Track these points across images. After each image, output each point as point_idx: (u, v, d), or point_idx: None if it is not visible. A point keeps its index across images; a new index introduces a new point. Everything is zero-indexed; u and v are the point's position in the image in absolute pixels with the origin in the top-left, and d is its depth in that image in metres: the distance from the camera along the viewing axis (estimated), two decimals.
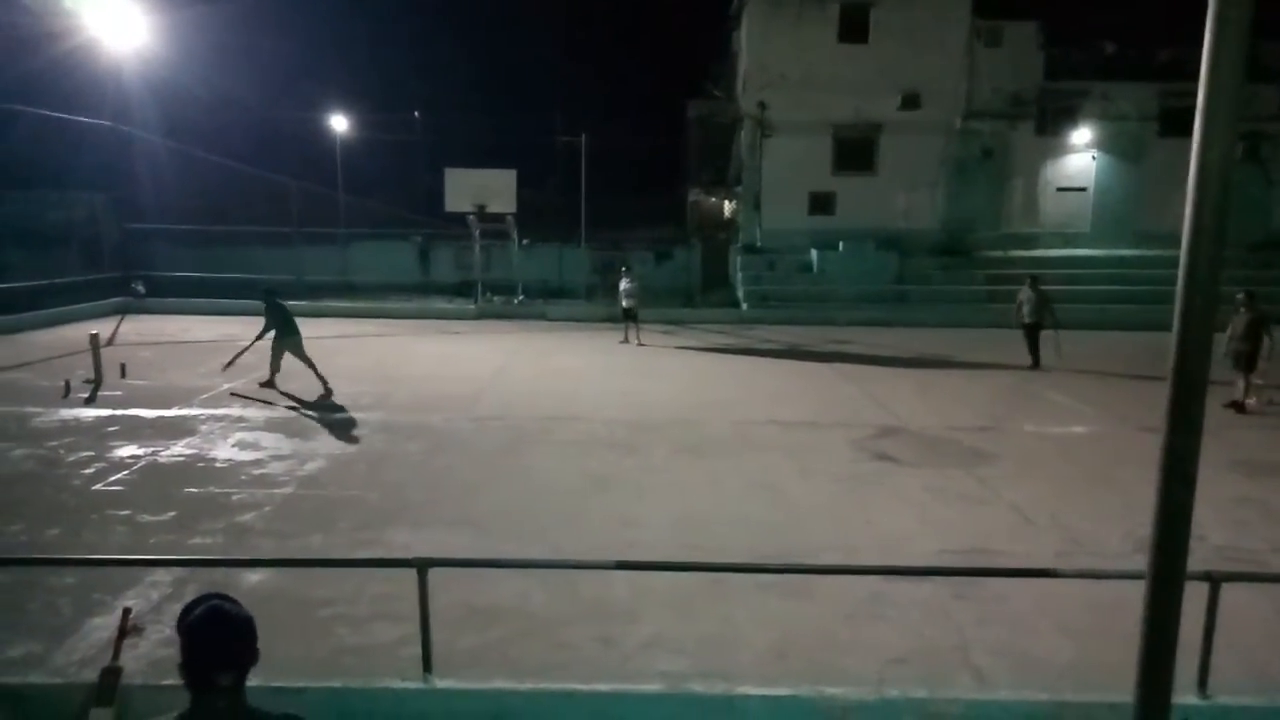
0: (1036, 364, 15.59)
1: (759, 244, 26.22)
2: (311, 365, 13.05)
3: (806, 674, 4.89)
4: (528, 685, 4.25)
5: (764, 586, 6.17)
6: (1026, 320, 15.70)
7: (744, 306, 23.99)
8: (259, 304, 13.36)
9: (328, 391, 12.90)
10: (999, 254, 25.43)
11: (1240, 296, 12.18)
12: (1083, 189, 26.49)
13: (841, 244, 25.02)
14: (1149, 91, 25.40)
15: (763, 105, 25.51)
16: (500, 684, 4.30)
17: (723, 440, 10.70)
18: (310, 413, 11.84)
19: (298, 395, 12.79)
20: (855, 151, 25.99)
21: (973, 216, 26.21)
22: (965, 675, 5.20)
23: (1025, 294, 15.76)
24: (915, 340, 19.17)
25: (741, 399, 13.23)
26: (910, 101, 25.31)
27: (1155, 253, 23.31)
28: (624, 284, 18.96)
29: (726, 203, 32.35)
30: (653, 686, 4.29)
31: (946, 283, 24.30)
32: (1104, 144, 26.06)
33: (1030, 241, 26.23)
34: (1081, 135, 26.02)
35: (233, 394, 12.81)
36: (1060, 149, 26.31)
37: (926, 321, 21.92)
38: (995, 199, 26.47)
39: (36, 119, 21.98)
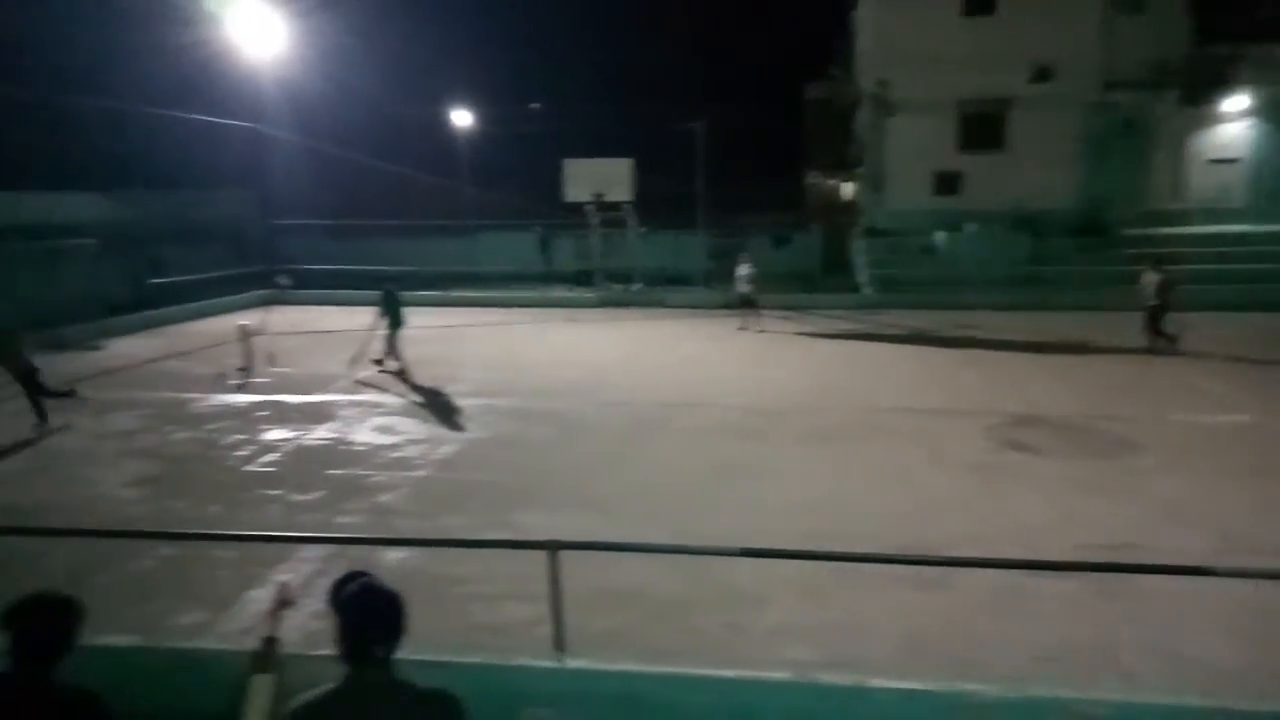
0: (1153, 348, 14.86)
1: (881, 226, 25.50)
2: (395, 355, 14.13)
3: (940, 668, 4.76)
4: (658, 668, 4.29)
5: (895, 577, 6.04)
6: (1152, 302, 14.97)
7: (866, 291, 23.39)
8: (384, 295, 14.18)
9: (395, 375, 13.79)
10: (1140, 232, 23.87)
11: None
12: (1236, 160, 24.56)
13: (969, 225, 24.04)
14: None
15: (884, 84, 24.74)
16: (631, 666, 4.35)
17: (848, 427, 10.50)
18: (442, 398, 12.29)
19: (427, 383, 13.29)
20: (983, 128, 24.88)
21: (1112, 193, 24.68)
22: (1113, 675, 4.95)
23: (1149, 276, 15.07)
24: (1051, 324, 18.26)
25: (866, 386, 12.94)
26: (1042, 74, 24.01)
27: None
28: (742, 270, 18.80)
29: (847, 185, 31.62)
30: (782, 674, 4.25)
31: (1084, 264, 22.97)
32: (1262, 111, 24.07)
33: (1176, 218, 24.51)
34: (1236, 102, 24.10)
35: (359, 382, 13.41)
36: (1211, 118, 24.44)
37: (1063, 305, 20.79)
38: (1136, 174, 24.83)
39: (187, 122, 23.57)
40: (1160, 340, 14.87)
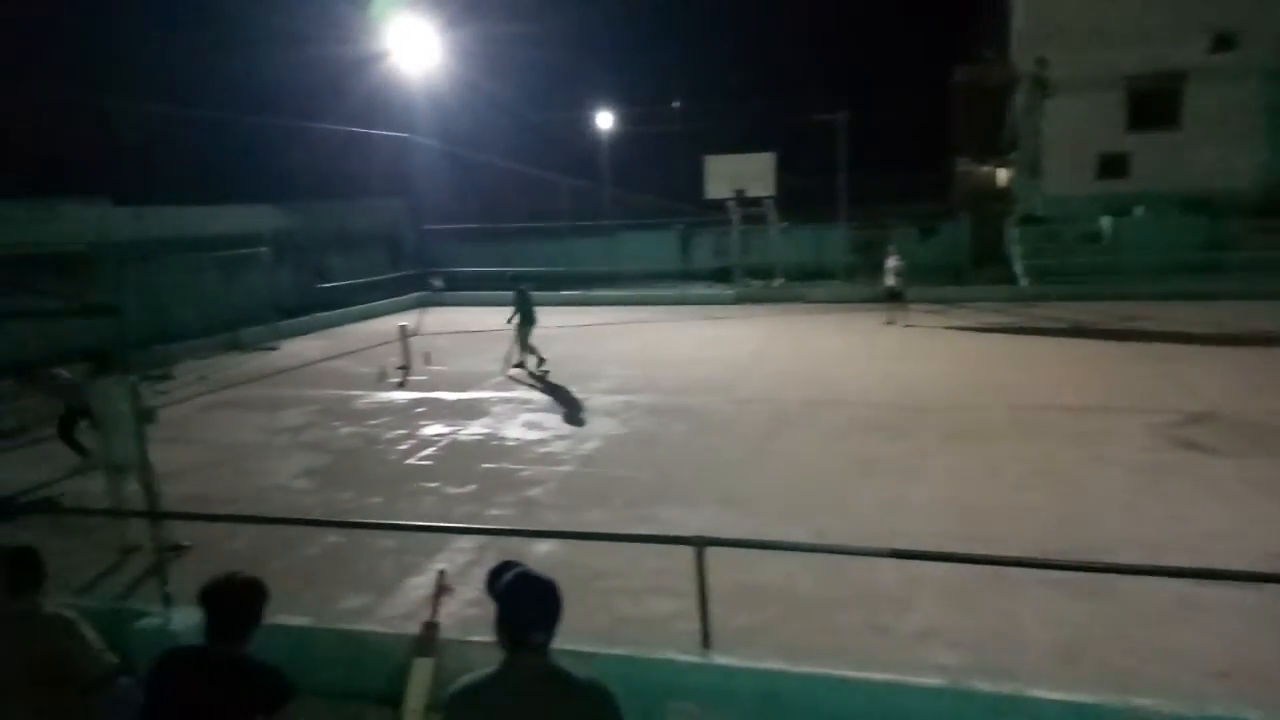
0: None
1: (1039, 213, 24.17)
2: (534, 352, 14.63)
3: (1103, 680, 4.50)
4: (803, 668, 4.26)
5: (1051, 583, 5.75)
6: None
7: (1021, 282, 22.24)
8: (534, 294, 14.65)
9: (541, 374, 14.18)
10: None
11: None
12: None
13: (1138, 209, 22.44)
14: None
15: (1042, 62, 23.42)
16: (775, 664, 4.34)
17: (1000, 426, 10.05)
18: (584, 395, 12.58)
19: (570, 380, 13.63)
20: (1154, 105, 23.17)
21: None
22: None
23: None
24: (1231, 314, 16.80)
25: (1021, 382, 12.32)
26: (1224, 43, 22.13)
27: None
28: (889, 262, 18.26)
29: (999, 172, 30.17)
30: (933, 679, 4.13)
31: (1269, 248, 21.00)
32: None
33: None
34: None
35: (511, 377, 13.94)
36: None
37: (1245, 293, 19.07)
38: None
39: (345, 135, 25.10)
40: None
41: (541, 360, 14.60)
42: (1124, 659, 5.00)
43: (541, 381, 13.58)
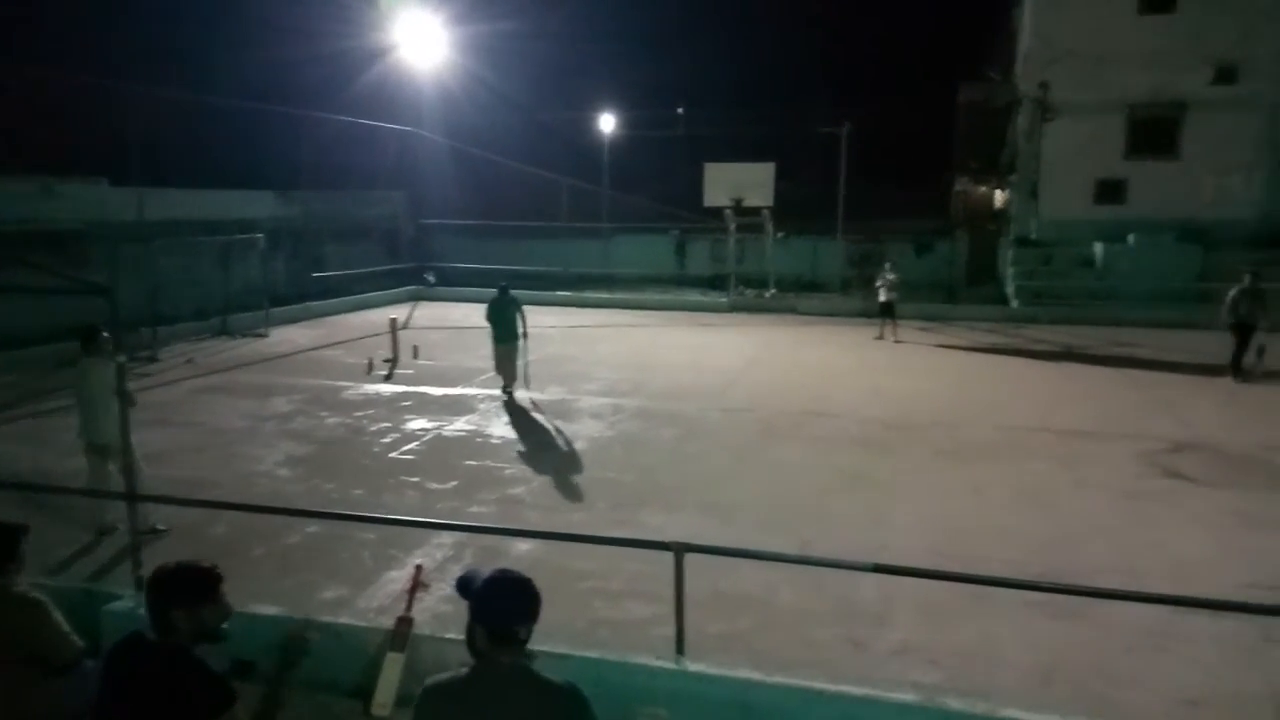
0: (1237, 368, 13.71)
1: (1034, 236, 24.24)
2: (513, 370, 12.67)
3: (1077, 704, 4.50)
4: (777, 679, 4.25)
5: (1030, 604, 5.74)
6: (1238, 319, 13.81)
7: (1014, 303, 22.31)
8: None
9: (507, 393, 12.50)
10: None
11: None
12: None
13: (1132, 236, 22.54)
14: None
15: (1045, 85, 23.52)
16: (749, 674, 4.33)
17: (986, 445, 10.06)
18: (573, 397, 12.56)
19: (559, 381, 13.60)
20: (1153, 133, 23.25)
21: None
22: None
23: (1239, 290, 13.93)
24: (1222, 345, 16.85)
25: (1009, 403, 12.35)
26: (1225, 75, 22.23)
27: None
28: (884, 277, 18.29)
29: (997, 192, 30.26)
30: (907, 695, 4.12)
31: (1265, 280, 21.09)
32: None
33: None
34: None
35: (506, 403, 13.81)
36: None
37: None
38: None
39: (351, 127, 25.05)
40: (1238, 357, 13.71)
41: (509, 384, 12.61)
42: (1098, 683, 5.00)
43: (533, 381, 13.18)
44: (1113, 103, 23.10)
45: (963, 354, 16.70)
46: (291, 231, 23.31)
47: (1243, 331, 13.86)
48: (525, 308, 12.82)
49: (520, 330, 12.55)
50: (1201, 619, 5.55)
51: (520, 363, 12.75)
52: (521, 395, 12.52)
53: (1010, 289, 23.17)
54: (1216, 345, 15.67)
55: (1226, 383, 13.56)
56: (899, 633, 5.59)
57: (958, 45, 33.04)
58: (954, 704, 4.03)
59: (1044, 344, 17.53)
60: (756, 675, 4.30)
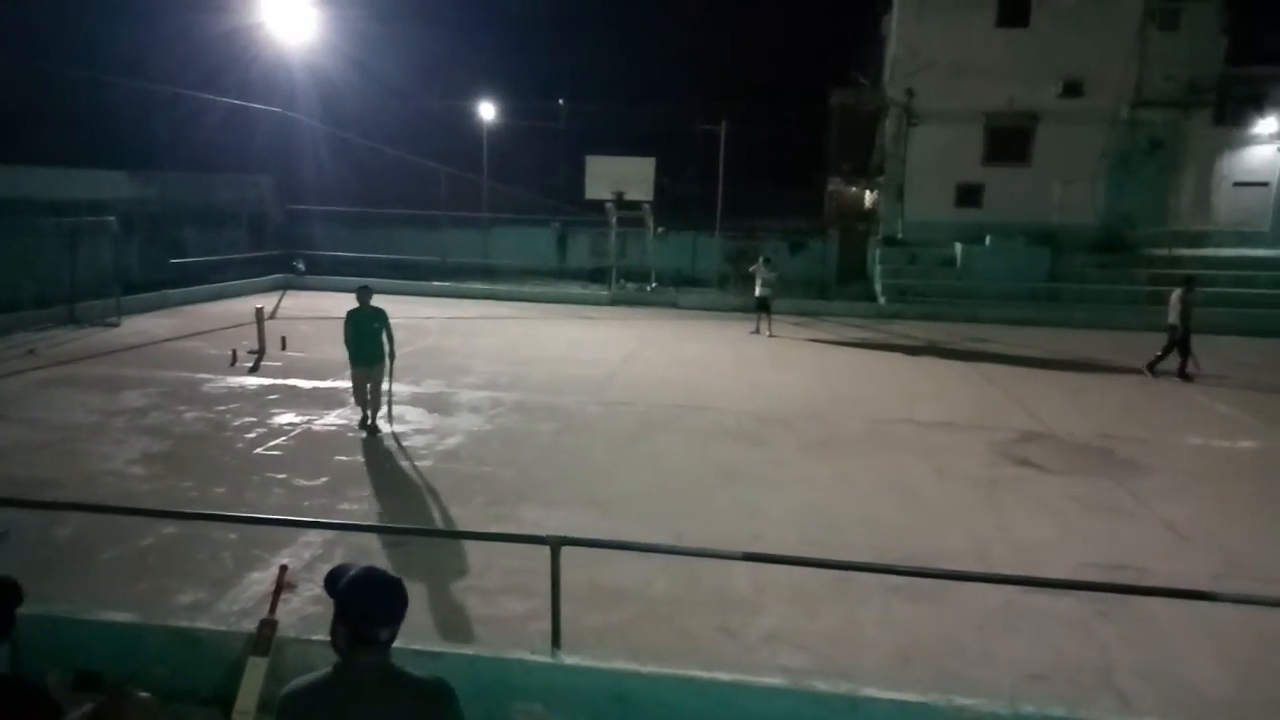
0: (1154, 366, 14.65)
1: (900, 236, 25.39)
2: (379, 393, 10.18)
3: (933, 681, 4.74)
4: (650, 668, 4.30)
5: (891, 589, 6.03)
6: (1171, 322, 14.49)
7: (881, 301, 23.32)
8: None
9: (369, 429, 10.04)
10: (1164, 252, 23.69)
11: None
12: (1264, 184, 24.34)
13: (989, 238, 23.92)
14: None
15: (910, 92, 24.65)
16: (624, 665, 4.37)
17: (854, 437, 10.48)
18: (450, 390, 12.33)
19: (437, 374, 13.34)
20: (1008, 142, 24.74)
21: (1136, 212, 24.51)
22: (1108, 697, 4.92)
23: (1176, 295, 14.50)
24: (1067, 342, 18.15)
25: (875, 396, 12.90)
26: (1072, 89, 23.86)
27: None
28: (760, 273, 18.74)
29: (867, 193, 31.48)
30: (775, 680, 4.25)
31: (1104, 281, 22.82)
32: None
33: (1200, 240, 24.31)
34: (1268, 125, 23.89)
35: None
36: (1241, 140, 24.23)
37: (1081, 322, 20.67)
38: (1162, 194, 24.64)
39: (213, 106, 23.75)
40: (1159, 362, 14.59)
41: (368, 418, 10.09)
42: (953, 661, 5.29)
43: (409, 373, 12.88)
44: (972, 111, 24.43)
45: (834, 349, 17.32)
46: (148, 214, 21.92)
47: (1176, 335, 14.41)
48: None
49: (386, 349, 10.00)
50: (1045, 597, 5.96)
51: (385, 387, 10.18)
52: (385, 428, 10.18)
53: (878, 286, 24.19)
54: (1062, 342, 16.85)
55: (1071, 376, 14.56)
56: (770, 619, 5.76)
57: (832, 50, 34.17)
58: (819, 686, 4.19)
59: (909, 339, 18.39)
60: (631, 666, 4.34)
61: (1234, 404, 12.69)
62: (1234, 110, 24.10)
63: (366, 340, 9.92)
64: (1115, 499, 8.40)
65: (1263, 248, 23.85)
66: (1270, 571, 6.74)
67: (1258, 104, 23.85)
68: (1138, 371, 14.76)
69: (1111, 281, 22.79)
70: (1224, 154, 24.37)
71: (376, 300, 10.23)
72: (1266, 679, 5.07)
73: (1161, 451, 10.10)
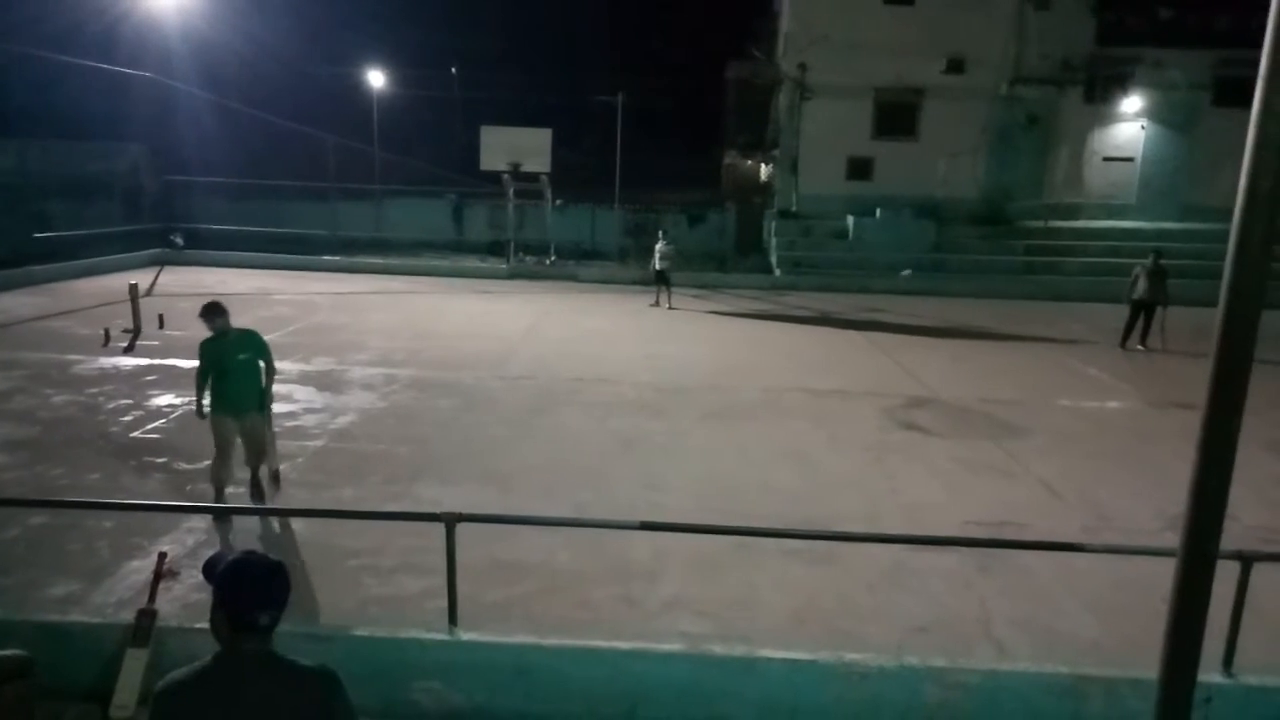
0: (1143, 342, 14.76)
1: (795, 209, 25.91)
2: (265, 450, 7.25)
3: (827, 640, 4.91)
4: (550, 640, 4.31)
5: (788, 552, 6.19)
6: (1139, 297, 14.58)
7: (777, 272, 23.79)
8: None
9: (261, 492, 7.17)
10: (1040, 224, 24.93)
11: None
12: (1130, 159, 25.84)
13: (878, 211, 24.65)
14: (1205, 59, 24.53)
15: (803, 67, 25.05)
16: (523, 638, 4.36)
17: (751, 406, 10.68)
18: (342, 367, 11.98)
19: (328, 351, 12.93)
20: (896, 116, 25.51)
21: (1014, 185, 25.70)
22: (986, 646, 5.19)
23: (1141, 269, 14.54)
24: (951, 310, 18.92)
25: (772, 365, 13.17)
26: (955, 66, 24.73)
27: (1202, 226, 22.72)
28: (659, 246, 18.82)
29: (763, 166, 31.97)
30: (673, 646, 4.33)
31: (985, 252, 23.87)
32: (1154, 113, 25.34)
33: (1073, 212, 25.67)
34: (1131, 103, 25.30)
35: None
36: (1108, 117, 25.63)
37: (964, 292, 21.57)
38: (1038, 168, 25.90)
39: (80, 70, 22.20)
40: (1145, 333, 14.68)
41: (257, 489, 7.13)
42: (845, 620, 5.48)
43: (299, 350, 12.61)
44: (862, 86, 25.03)
45: (731, 320, 17.59)
46: (6, 185, 20.42)
47: (1140, 309, 14.60)
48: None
49: (262, 387, 7.05)
50: (931, 555, 6.23)
51: (269, 447, 7.33)
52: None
53: (774, 259, 24.65)
54: (947, 310, 17.55)
55: (955, 344, 15.20)
56: (671, 587, 5.83)
57: (729, 23, 34.38)
58: (716, 650, 4.29)
59: (803, 310, 18.84)
60: (530, 639, 4.34)
61: (1102, 368, 13.49)
62: (1103, 88, 25.42)
63: (235, 379, 6.89)
64: (995, 459, 8.83)
65: (1129, 219, 25.36)
66: (1133, 523, 7.22)
67: (1123, 83, 25.22)
68: (1016, 338, 15.50)
69: (991, 252, 23.85)
70: (1094, 130, 25.72)
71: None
72: (1129, 621, 5.43)
73: (1037, 413, 10.66)
